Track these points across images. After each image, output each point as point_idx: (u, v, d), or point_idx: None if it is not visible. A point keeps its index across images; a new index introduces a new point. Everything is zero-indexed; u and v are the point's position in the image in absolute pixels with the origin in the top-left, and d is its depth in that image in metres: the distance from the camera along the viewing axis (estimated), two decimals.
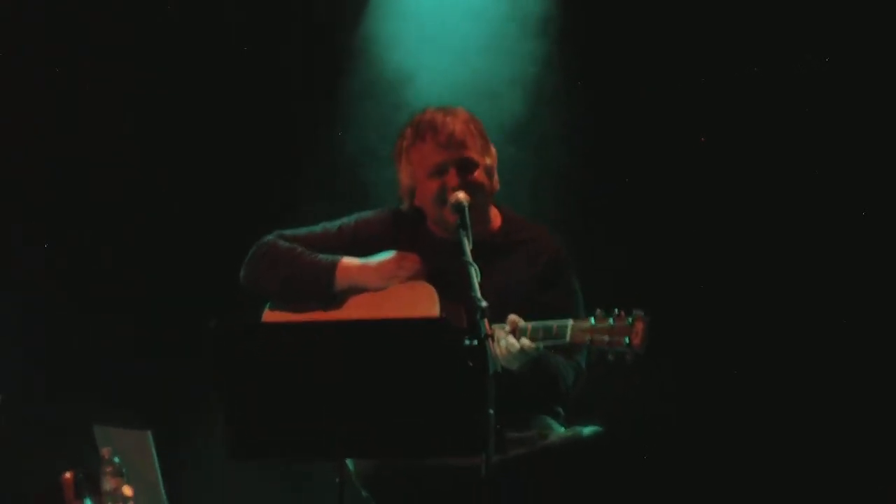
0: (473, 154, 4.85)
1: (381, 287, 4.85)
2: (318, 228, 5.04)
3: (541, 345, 4.56)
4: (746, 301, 6.03)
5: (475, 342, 4.18)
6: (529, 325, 4.57)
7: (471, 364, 4.13)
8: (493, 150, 4.94)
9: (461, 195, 4.74)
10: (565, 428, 4.84)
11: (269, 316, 4.93)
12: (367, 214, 5.05)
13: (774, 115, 6.06)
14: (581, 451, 4.64)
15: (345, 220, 5.04)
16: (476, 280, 4.37)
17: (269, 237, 5.01)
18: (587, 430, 4.67)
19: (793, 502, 5.92)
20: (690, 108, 6.12)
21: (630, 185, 6.18)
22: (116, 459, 4.69)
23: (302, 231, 5.03)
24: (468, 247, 4.52)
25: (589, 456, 4.64)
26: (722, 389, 5.98)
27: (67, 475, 4.77)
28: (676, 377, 5.85)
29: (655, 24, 6.15)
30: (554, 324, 4.55)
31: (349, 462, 4.62)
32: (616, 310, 4.47)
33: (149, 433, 4.82)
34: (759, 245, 6.06)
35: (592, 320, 4.49)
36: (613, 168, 6.20)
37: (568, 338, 4.51)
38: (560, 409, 4.92)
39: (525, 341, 4.54)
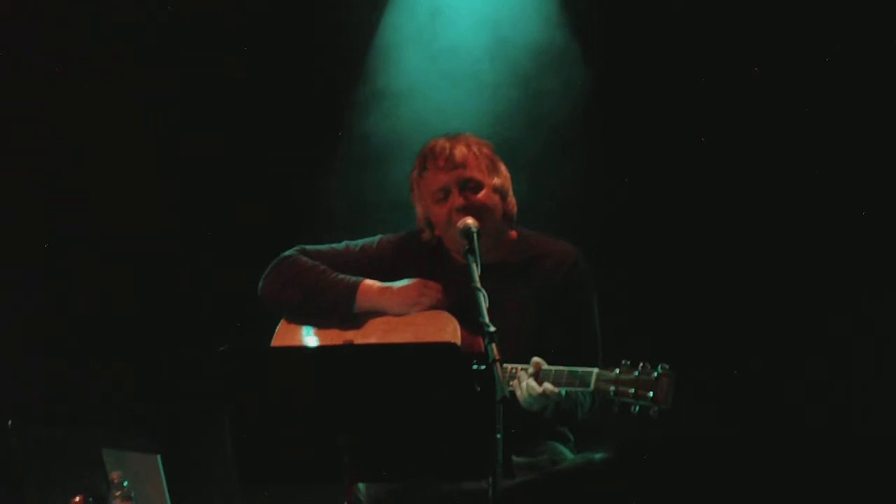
0: (475, 173, 4.85)
1: (402, 312, 4.86)
2: (340, 246, 5.05)
3: (563, 390, 4.53)
4: (752, 315, 6.04)
5: (483, 367, 4.18)
6: (553, 368, 4.55)
7: (478, 389, 4.12)
8: (505, 171, 4.94)
9: (469, 220, 4.75)
10: (575, 454, 4.85)
11: (284, 329, 4.95)
12: (390, 236, 5.06)
13: (774, 115, 6.07)
14: (593, 477, 4.64)
15: (368, 240, 5.05)
16: (484, 305, 4.38)
17: (291, 252, 5.02)
18: (598, 456, 4.68)
19: None
20: (690, 108, 6.14)
21: (629, 186, 6.22)
22: (126, 483, 4.70)
23: (324, 248, 5.04)
24: (476, 272, 4.52)
25: (601, 481, 4.64)
26: (734, 411, 5.98)
27: (77, 499, 4.78)
28: (688, 400, 5.84)
29: (655, 25, 6.18)
30: (578, 371, 4.51)
31: (360, 485, 4.62)
32: (641, 363, 4.44)
33: (158, 457, 4.84)
34: (760, 245, 6.08)
35: (617, 371, 4.45)
36: (612, 168, 6.23)
37: (591, 386, 4.48)
38: (570, 435, 4.93)
39: (547, 386, 4.52)
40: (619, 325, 5.11)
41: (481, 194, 4.85)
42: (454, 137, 4.92)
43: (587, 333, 4.82)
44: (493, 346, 4.24)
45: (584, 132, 6.28)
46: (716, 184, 6.13)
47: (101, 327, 6.33)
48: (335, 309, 4.88)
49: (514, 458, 4.69)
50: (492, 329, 4.27)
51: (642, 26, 6.20)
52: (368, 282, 4.90)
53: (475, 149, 4.89)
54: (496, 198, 4.88)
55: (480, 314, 4.35)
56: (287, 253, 5.02)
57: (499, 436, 4.10)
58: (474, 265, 4.56)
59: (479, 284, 4.46)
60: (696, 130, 6.17)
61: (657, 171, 6.20)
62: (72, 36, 6.34)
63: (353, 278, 4.91)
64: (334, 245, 5.06)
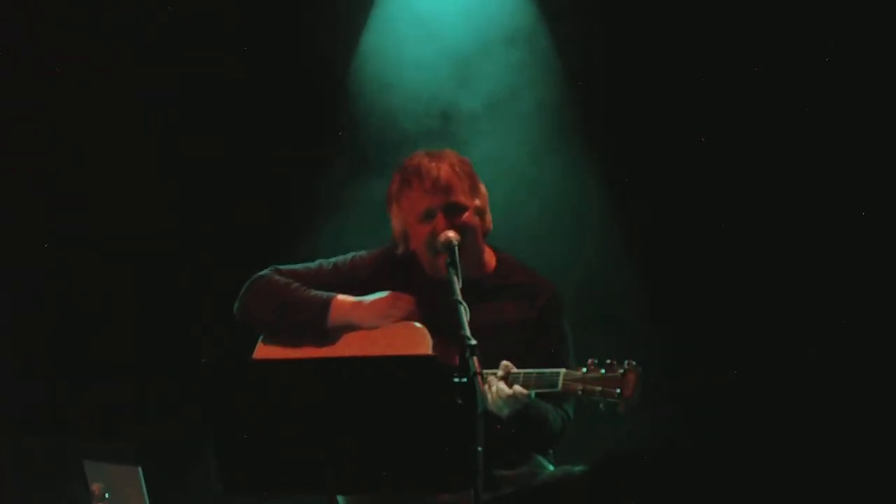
0: (460, 197, 4.85)
1: (375, 326, 4.87)
2: (313, 265, 5.06)
3: (532, 392, 4.57)
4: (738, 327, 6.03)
5: (464, 380, 4.18)
6: (522, 371, 4.59)
7: (459, 402, 4.13)
8: (484, 189, 4.95)
9: (451, 234, 4.76)
10: (555, 466, 4.84)
11: (262, 350, 4.95)
12: (362, 253, 5.07)
13: (774, 115, 6.04)
14: (572, 489, 4.65)
15: (340, 258, 5.06)
16: (465, 318, 4.37)
17: (265, 272, 5.03)
18: (577, 469, 4.68)
19: None
20: (690, 108, 6.11)
21: (627, 186, 6.21)
22: (107, 495, 4.71)
23: (298, 267, 5.05)
24: (458, 285, 4.53)
25: (580, 494, 4.64)
26: (712, 425, 5.97)
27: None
28: (666, 412, 5.84)
29: (655, 25, 6.15)
30: (546, 372, 4.56)
31: (339, 498, 4.63)
32: (608, 360, 4.50)
33: (139, 469, 4.84)
34: (759, 246, 6.06)
35: (584, 370, 4.51)
36: (610, 168, 6.22)
37: (559, 386, 4.54)
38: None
39: (517, 388, 4.56)
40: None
41: (465, 216, 4.85)
42: (437, 156, 4.91)
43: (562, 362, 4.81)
44: (475, 359, 4.22)
45: (582, 132, 6.27)
46: (715, 183, 6.10)
47: (101, 327, 6.35)
48: (310, 325, 4.89)
49: (495, 470, 4.69)
50: (473, 342, 4.26)
51: (641, 27, 6.17)
52: (341, 297, 4.91)
53: (458, 169, 4.89)
54: (477, 219, 4.88)
55: (461, 327, 4.34)
56: (261, 273, 5.03)
57: (480, 448, 4.09)
58: (455, 278, 4.56)
59: (460, 297, 4.46)
60: (695, 130, 6.15)
61: (656, 170, 6.18)
62: (72, 36, 6.34)
63: (326, 294, 4.92)
64: (308, 264, 5.07)
